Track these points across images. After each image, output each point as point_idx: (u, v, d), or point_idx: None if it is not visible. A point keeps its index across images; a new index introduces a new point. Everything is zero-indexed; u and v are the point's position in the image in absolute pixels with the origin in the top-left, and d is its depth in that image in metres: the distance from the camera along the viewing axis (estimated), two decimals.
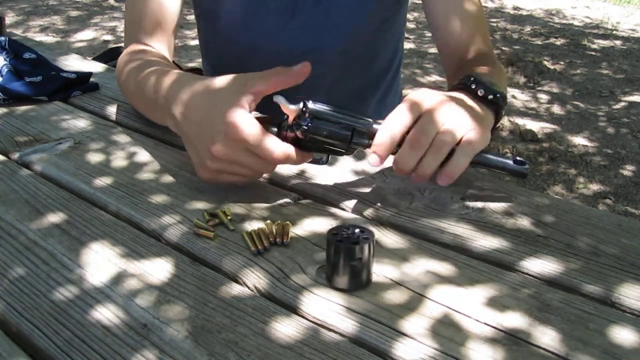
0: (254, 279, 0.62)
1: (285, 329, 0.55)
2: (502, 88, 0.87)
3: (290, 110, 0.71)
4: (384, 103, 1.22)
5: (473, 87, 0.76)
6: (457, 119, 0.70)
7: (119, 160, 0.87)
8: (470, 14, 1.03)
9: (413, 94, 0.72)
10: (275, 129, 0.73)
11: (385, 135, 0.69)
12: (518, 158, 0.77)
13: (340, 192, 0.79)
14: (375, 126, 0.71)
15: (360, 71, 1.16)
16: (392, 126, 0.70)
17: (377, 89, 1.20)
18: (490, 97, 0.75)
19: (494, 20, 5.58)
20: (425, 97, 0.71)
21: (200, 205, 0.75)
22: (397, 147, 0.70)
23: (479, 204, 0.75)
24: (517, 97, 3.70)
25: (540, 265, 0.64)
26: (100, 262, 0.65)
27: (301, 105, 0.71)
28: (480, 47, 1.03)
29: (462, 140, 0.70)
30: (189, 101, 0.75)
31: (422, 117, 0.70)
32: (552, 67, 4.29)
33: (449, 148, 0.70)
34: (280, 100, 0.71)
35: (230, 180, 0.75)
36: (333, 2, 1.05)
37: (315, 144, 0.72)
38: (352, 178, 0.82)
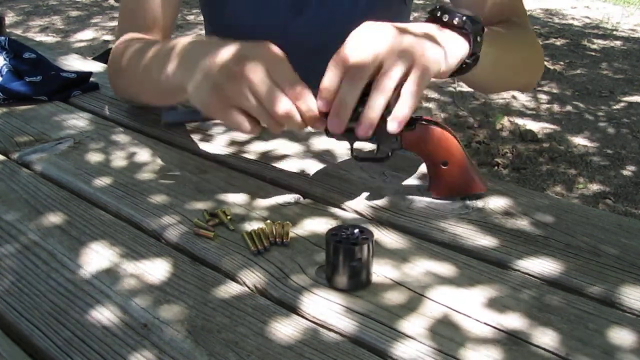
0: (254, 279, 0.62)
1: (285, 329, 0.55)
2: (503, 41, 0.83)
3: None
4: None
5: (438, 14, 0.71)
6: (396, 53, 0.66)
7: (119, 160, 0.87)
8: None
9: (347, 43, 0.68)
10: None
11: (324, 81, 0.67)
12: None
13: (340, 192, 0.79)
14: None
15: None
16: (329, 71, 0.67)
17: None
18: (456, 20, 0.70)
19: None
20: (355, 46, 0.67)
21: (200, 205, 0.75)
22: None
23: (479, 204, 0.75)
24: (517, 97, 3.70)
25: (540, 265, 0.64)
26: (100, 262, 0.65)
27: None
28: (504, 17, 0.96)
29: (408, 73, 0.66)
30: (216, 41, 0.72)
31: (356, 53, 0.66)
32: (552, 67, 4.29)
33: (392, 84, 0.66)
34: None
35: (235, 120, 0.69)
36: (339, 0, 1.05)
37: None
38: (352, 178, 0.82)
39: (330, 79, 0.67)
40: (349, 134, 0.70)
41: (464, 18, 0.70)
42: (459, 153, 0.74)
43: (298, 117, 0.68)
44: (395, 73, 0.66)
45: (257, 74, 0.66)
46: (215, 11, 1.16)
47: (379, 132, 0.68)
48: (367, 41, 0.67)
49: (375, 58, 0.66)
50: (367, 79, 0.66)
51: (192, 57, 0.73)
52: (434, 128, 0.73)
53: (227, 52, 0.69)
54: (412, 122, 0.73)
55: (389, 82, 0.66)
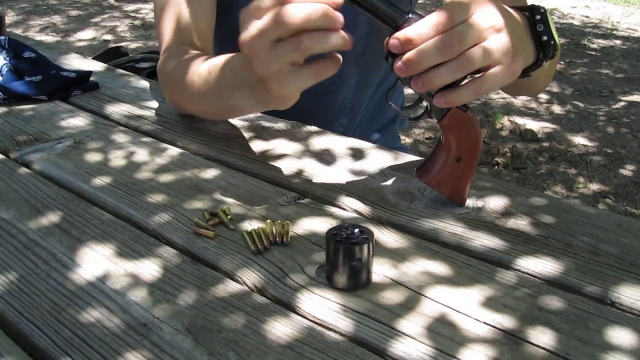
0: (254, 278, 0.62)
1: (285, 328, 0.55)
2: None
3: None
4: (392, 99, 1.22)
5: (538, 17, 0.68)
6: (500, 42, 0.62)
7: (118, 160, 0.87)
8: None
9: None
10: None
11: (417, 29, 0.61)
12: None
13: (340, 191, 0.79)
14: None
15: (376, 73, 1.16)
16: (429, 22, 0.61)
17: (384, 88, 1.20)
18: (545, 38, 0.68)
19: None
20: (479, 2, 0.63)
21: (200, 204, 0.75)
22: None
23: (479, 204, 0.75)
24: (517, 97, 3.69)
25: (540, 265, 0.64)
26: (100, 261, 0.65)
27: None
28: None
29: (489, 69, 0.63)
30: None
31: (465, 21, 0.61)
32: None
33: (473, 68, 0.62)
34: None
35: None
36: None
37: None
38: (352, 178, 0.82)
39: (424, 32, 0.61)
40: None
41: (552, 42, 0.68)
42: (475, 159, 0.72)
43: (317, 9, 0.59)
44: (485, 60, 0.62)
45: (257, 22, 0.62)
46: (222, 15, 1.16)
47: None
48: (478, 14, 0.62)
49: (479, 37, 0.61)
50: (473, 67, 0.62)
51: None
52: (476, 123, 0.71)
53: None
54: (466, 105, 0.70)
55: (475, 63, 0.61)
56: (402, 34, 0.62)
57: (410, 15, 0.65)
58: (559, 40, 0.69)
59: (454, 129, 0.71)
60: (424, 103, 0.72)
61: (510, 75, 0.64)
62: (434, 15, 0.62)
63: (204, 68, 0.82)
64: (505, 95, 3.62)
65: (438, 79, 0.63)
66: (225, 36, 1.20)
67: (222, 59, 0.79)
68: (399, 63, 0.63)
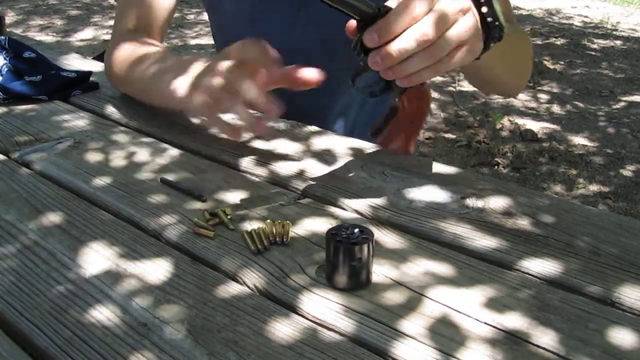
0: (254, 279, 0.62)
1: (285, 328, 0.55)
2: (513, 30, 0.80)
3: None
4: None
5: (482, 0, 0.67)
6: (468, 25, 0.64)
7: (118, 160, 0.87)
8: None
9: None
10: None
11: (395, 19, 0.61)
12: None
13: (340, 191, 0.79)
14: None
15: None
16: (405, 14, 0.61)
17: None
18: (490, 19, 0.67)
19: None
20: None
21: (200, 204, 0.75)
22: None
23: (479, 204, 0.75)
24: (517, 96, 3.69)
25: (540, 265, 0.64)
26: (100, 261, 0.65)
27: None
28: None
29: (450, 53, 0.64)
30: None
31: (433, 11, 0.62)
32: (552, 67, 4.29)
33: (443, 55, 0.63)
34: None
35: (223, 104, 0.79)
36: None
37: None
38: (352, 178, 0.82)
39: (399, 27, 0.61)
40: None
41: (496, 23, 0.67)
42: (423, 122, 0.82)
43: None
44: (449, 44, 0.63)
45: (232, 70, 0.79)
46: (215, 11, 1.16)
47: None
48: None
49: (450, 23, 0.62)
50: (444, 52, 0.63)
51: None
52: (428, 93, 0.76)
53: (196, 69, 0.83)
54: None
55: (446, 51, 0.63)
56: (378, 30, 0.62)
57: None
58: (505, 22, 0.68)
59: (412, 100, 0.79)
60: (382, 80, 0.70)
61: (470, 54, 0.65)
62: (405, 4, 0.61)
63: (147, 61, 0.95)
64: None
65: (410, 69, 0.63)
66: (218, 29, 1.21)
67: (163, 62, 0.93)
68: (376, 58, 0.63)
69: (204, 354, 0.52)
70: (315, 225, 0.71)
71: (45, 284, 0.61)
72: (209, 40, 4.68)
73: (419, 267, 0.63)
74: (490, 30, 0.68)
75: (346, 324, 0.56)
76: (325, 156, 0.89)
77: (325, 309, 0.57)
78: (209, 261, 0.65)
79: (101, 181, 0.81)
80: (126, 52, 1.01)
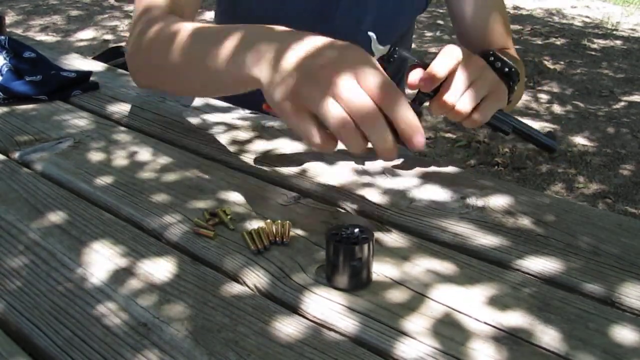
0: (254, 278, 0.62)
1: (286, 328, 0.55)
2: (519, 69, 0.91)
3: (378, 49, 0.78)
4: None
5: (491, 59, 0.79)
6: (491, 76, 0.77)
7: (119, 160, 0.87)
8: (491, 5, 1.11)
9: (447, 47, 0.75)
10: None
11: (437, 69, 0.72)
12: (550, 131, 0.81)
13: (340, 191, 0.79)
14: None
15: None
16: (442, 63, 0.73)
17: None
18: (506, 70, 0.78)
19: None
20: (460, 49, 0.75)
21: (200, 204, 0.75)
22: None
23: (480, 203, 0.75)
24: None
25: (541, 265, 0.64)
26: (100, 261, 0.65)
27: (389, 47, 0.77)
28: (500, 40, 1.10)
29: (490, 91, 0.76)
30: (305, 47, 0.62)
31: (464, 62, 0.74)
32: (552, 67, 4.29)
33: (485, 92, 0.76)
34: (372, 36, 0.77)
35: (307, 128, 0.61)
36: (365, 10, 1.08)
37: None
38: (352, 177, 0.82)
39: (445, 65, 0.73)
40: None
41: (513, 70, 0.78)
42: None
43: (387, 132, 0.58)
44: (481, 93, 0.76)
45: (345, 80, 0.58)
46: (232, 17, 1.15)
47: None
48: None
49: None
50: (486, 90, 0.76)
51: (263, 48, 0.65)
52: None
53: (306, 48, 0.61)
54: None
55: (476, 96, 0.75)
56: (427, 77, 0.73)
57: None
58: (515, 65, 0.80)
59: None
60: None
61: (502, 100, 0.79)
62: (461, 72, 0.74)
63: (202, 42, 0.76)
64: None
65: (466, 107, 0.75)
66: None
67: (228, 50, 0.70)
68: (435, 106, 0.76)
69: (204, 354, 0.52)
70: (315, 224, 0.71)
71: (45, 284, 0.61)
72: None
73: (420, 267, 0.63)
74: (509, 76, 0.80)
75: (347, 324, 0.55)
76: (326, 156, 0.89)
77: (325, 309, 0.57)
78: (209, 261, 0.65)
79: (101, 181, 0.81)
80: (171, 29, 0.81)
